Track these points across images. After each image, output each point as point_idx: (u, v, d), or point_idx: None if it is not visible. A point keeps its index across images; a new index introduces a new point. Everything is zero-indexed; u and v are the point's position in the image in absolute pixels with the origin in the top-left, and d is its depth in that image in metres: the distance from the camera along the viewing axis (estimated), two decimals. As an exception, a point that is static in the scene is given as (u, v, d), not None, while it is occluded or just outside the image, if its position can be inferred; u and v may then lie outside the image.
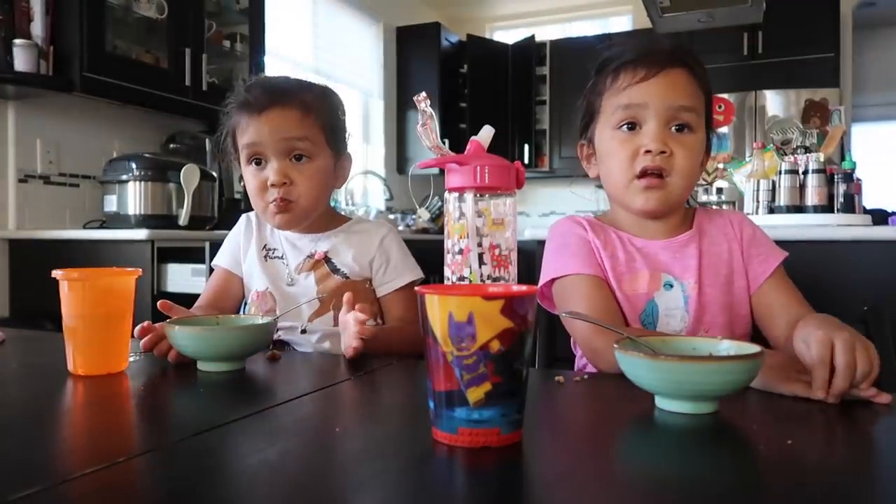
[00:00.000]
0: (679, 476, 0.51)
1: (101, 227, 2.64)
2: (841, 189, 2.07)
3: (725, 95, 3.60)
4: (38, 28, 2.41)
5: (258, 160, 1.13)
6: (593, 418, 0.70)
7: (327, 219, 1.23)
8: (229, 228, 1.31)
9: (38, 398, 0.74)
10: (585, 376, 0.81)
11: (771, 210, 2.17)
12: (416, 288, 0.55)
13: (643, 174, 0.96)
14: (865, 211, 2.16)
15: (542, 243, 1.09)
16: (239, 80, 1.43)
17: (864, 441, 0.62)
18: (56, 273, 0.82)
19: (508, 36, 5.63)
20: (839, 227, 2.00)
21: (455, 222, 0.74)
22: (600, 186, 1.17)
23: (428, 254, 1.29)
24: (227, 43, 3.21)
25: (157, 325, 0.89)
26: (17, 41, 2.33)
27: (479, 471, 0.50)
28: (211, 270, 1.30)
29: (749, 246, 1.02)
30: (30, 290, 2.51)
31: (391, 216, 4.36)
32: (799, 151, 2.20)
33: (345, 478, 0.50)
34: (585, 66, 1.05)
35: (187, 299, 1.13)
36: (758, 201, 2.21)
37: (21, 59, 2.33)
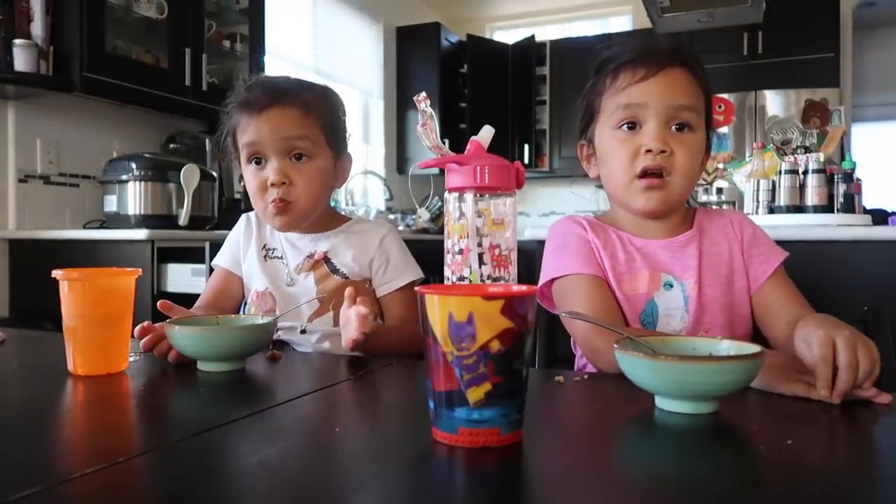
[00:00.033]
0: (679, 476, 0.51)
1: (101, 227, 2.64)
2: (841, 189, 2.07)
3: (725, 95, 3.60)
4: (38, 28, 2.42)
5: (258, 159, 1.13)
6: (593, 418, 0.70)
7: (327, 219, 1.23)
8: (229, 228, 1.31)
9: (38, 398, 0.74)
10: (585, 376, 0.81)
11: (771, 210, 2.17)
12: (416, 288, 0.55)
13: (644, 174, 0.95)
14: (865, 211, 2.16)
15: (542, 243, 1.09)
16: (239, 80, 1.43)
17: (865, 441, 0.62)
18: (56, 273, 0.82)
19: (508, 36, 5.63)
20: (839, 227, 2.00)
21: (455, 222, 0.74)
22: (600, 186, 1.17)
23: (428, 254, 1.29)
24: (227, 43, 3.21)
25: (157, 325, 0.89)
26: (17, 41, 2.33)
27: (479, 471, 0.50)
28: (211, 270, 1.30)
29: (749, 246, 1.02)
30: (30, 290, 2.51)
31: (391, 216, 4.36)
32: (799, 151, 2.20)
33: (345, 478, 0.50)
34: (585, 66, 1.05)
35: (187, 299, 1.13)
36: (758, 201, 2.21)
37: (21, 59, 2.33)
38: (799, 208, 2.11)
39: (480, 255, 0.73)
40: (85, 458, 0.53)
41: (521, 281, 0.73)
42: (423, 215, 4.17)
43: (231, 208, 2.95)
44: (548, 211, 5.55)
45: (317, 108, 1.14)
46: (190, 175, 2.55)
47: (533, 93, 5.35)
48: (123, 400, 0.75)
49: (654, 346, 0.70)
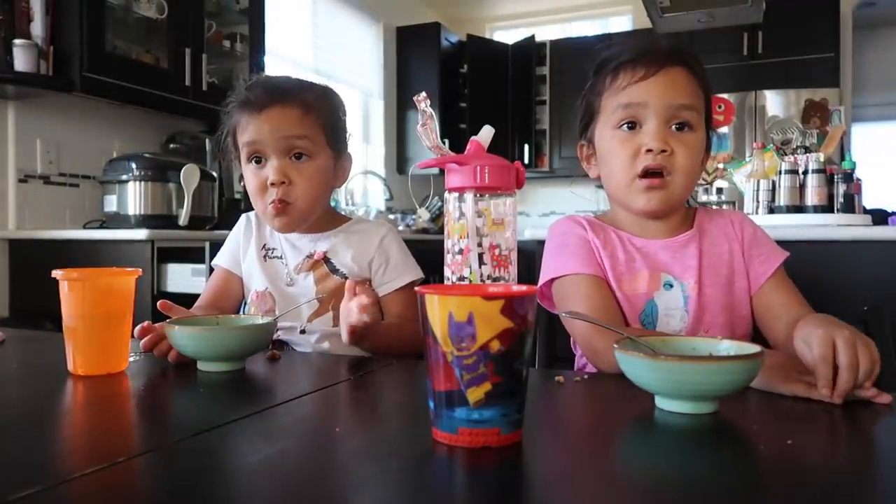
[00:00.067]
0: (679, 476, 0.51)
1: (101, 227, 2.64)
2: (841, 189, 2.07)
3: (725, 95, 3.60)
4: (38, 28, 2.42)
5: (258, 158, 1.13)
6: (593, 418, 0.70)
7: (327, 219, 1.23)
8: (229, 228, 1.31)
9: (38, 398, 0.74)
10: (585, 376, 0.81)
11: (771, 210, 2.17)
12: (416, 288, 0.55)
13: (644, 174, 0.95)
14: (865, 211, 2.16)
15: (542, 243, 1.09)
16: (240, 80, 1.43)
17: (865, 441, 0.62)
18: (56, 273, 0.82)
19: (508, 36, 5.63)
20: (839, 227, 2.00)
21: (455, 222, 0.74)
22: (600, 186, 1.17)
23: (428, 254, 1.29)
24: (227, 43, 3.21)
25: (157, 325, 0.89)
26: (17, 41, 2.33)
27: (479, 471, 0.50)
28: (211, 270, 1.30)
29: (750, 246, 1.02)
30: (30, 290, 2.51)
31: (391, 216, 4.36)
32: (799, 151, 2.20)
33: (345, 478, 0.50)
34: (585, 66, 1.05)
35: (187, 299, 1.13)
36: (758, 201, 2.21)
37: (21, 59, 2.33)
38: (799, 208, 2.11)
39: (480, 255, 0.73)
40: (85, 458, 0.53)
41: (521, 281, 0.73)
42: (423, 215, 4.17)
43: (231, 208, 2.95)
44: (548, 211, 5.55)
45: (317, 108, 1.14)
46: (190, 175, 2.55)
47: (533, 93, 5.35)
48: (123, 400, 0.75)
49: (654, 346, 0.70)
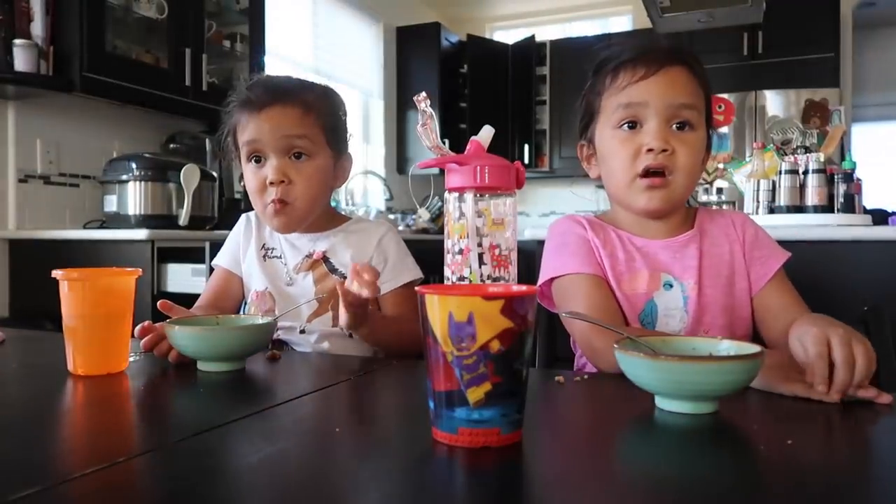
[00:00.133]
0: (679, 476, 0.51)
1: (101, 227, 2.64)
2: (841, 189, 2.07)
3: (725, 95, 3.60)
4: (38, 28, 2.42)
5: (258, 158, 1.13)
6: (593, 418, 0.70)
7: (327, 218, 1.23)
8: (229, 228, 1.31)
9: (38, 398, 0.74)
10: (585, 376, 0.81)
11: (771, 210, 2.17)
12: (416, 288, 0.55)
13: (645, 173, 0.95)
14: (865, 211, 2.16)
15: (542, 243, 1.09)
16: (240, 80, 1.43)
17: (865, 441, 0.62)
18: (56, 273, 0.82)
19: (508, 36, 5.63)
20: (839, 227, 2.00)
21: (455, 222, 0.74)
22: (601, 186, 1.17)
23: (428, 254, 1.29)
24: (227, 43, 3.21)
25: (157, 325, 0.89)
26: (17, 41, 2.33)
27: (479, 471, 0.50)
28: (211, 270, 1.30)
29: (751, 247, 1.02)
30: (30, 290, 2.51)
31: (391, 216, 4.36)
32: (799, 151, 2.20)
33: (345, 478, 0.50)
34: (585, 66, 1.05)
35: (187, 299, 1.13)
36: (758, 201, 2.21)
37: (21, 59, 2.33)
38: (799, 208, 2.11)
39: (480, 255, 0.73)
40: (85, 458, 0.53)
41: (521, 281, 0.73)
42: (423, 215, 4.17)
43: (231, 208, 2.95)
44: (548, 211, 5.55)
45: (317, 108, 1.14)
46: (190, 175, 2.55)
47: (533, 93, 5.35)
48: (123, 400, 0.75)
49: (654, 346, 0.70)
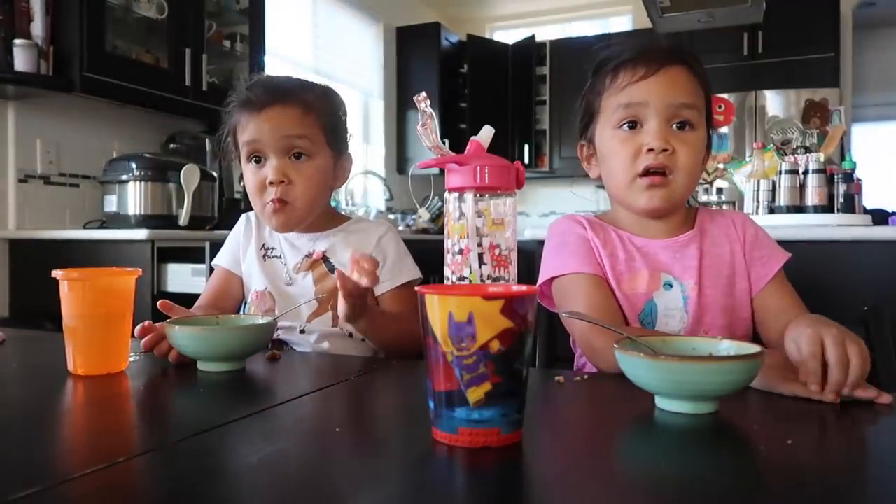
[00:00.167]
0: (679, 476, 0.51)
1: (101, 227, 2.64)
2: (841, 189, 2.07)
3: (725, 95, 3.60)
4: (38, 28, 2.42)
5: (258, 158, 1.13)
6: (593, 418, 0.70)
7: (327, 218, 1.23)
8: (229, 228, 1.31)
9: (38, 398, 0.74)
10: (585, 376, 0.81)
11: (771, 210, 2.17)
12: (416, 288, 0.55)
13: (646, 172, 0.95)
14: (865, 211, 2.16)
15: (542, 243, 1.09)
16: (240, 80, 1.43)
17: (865, 441, 0.62)
18: (56, 273, 0.82)
19: (508, 36, 5.63)
20: (839, 227, 2.00)
21: (455, 222, 0.74)
22: (601, 186, 1.18)
23: (428, 254, 1.28)
24: (227, 43, 3.21)
25: (157, 324, 0.89)
26: (17, 41, 2.33)
27: (479, 471, 0.50)
28: (211, 270, 1.30)
29: (752, 248, 1.02)
30: (30, 290, 2.51)
31: (391, 216, 4.36)
32: (799, 151, 2.20)
33: (345, 478, 0.50)
34: (585, 66, 1.05)
35: (187, 299, 1.13)
36: (758, 201, 2.21)
37: (21, 59, 2.33)
38: (799, 208, 2.11)
39: (480, 255, 0.73)
40: (85, 458, 0.53)
41: (521, 281, 0.73)
42: (423, 215, 4.17)
43: (231, 208, 2.95)
44: (548, 211, 5.55)
45: (317, 108, 1.14)
46: (190, 175, 2.55)
47: (533, 93, 5.35)
48: (123, 400, 0.75)
49: (654, 346, 0.70)
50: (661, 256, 1.00)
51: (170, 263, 2.33)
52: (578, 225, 1.04)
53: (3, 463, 0.52)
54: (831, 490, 0.48)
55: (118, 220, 2.54)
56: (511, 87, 5.34)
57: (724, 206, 2.77)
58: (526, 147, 5.31)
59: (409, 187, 4.08)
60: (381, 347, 1.08)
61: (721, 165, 2.22)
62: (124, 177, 2.53)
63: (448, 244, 0.74)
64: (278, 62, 3.81)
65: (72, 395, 0.76)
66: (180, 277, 2.31)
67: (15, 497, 0.43)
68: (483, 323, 0.51)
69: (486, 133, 0.76)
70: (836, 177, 2.09)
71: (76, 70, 2.43)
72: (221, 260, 1.26)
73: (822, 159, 2.11)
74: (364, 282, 0.86)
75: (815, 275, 1.76)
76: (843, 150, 2.66)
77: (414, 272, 1.19)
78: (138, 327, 0.88)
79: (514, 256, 0.75)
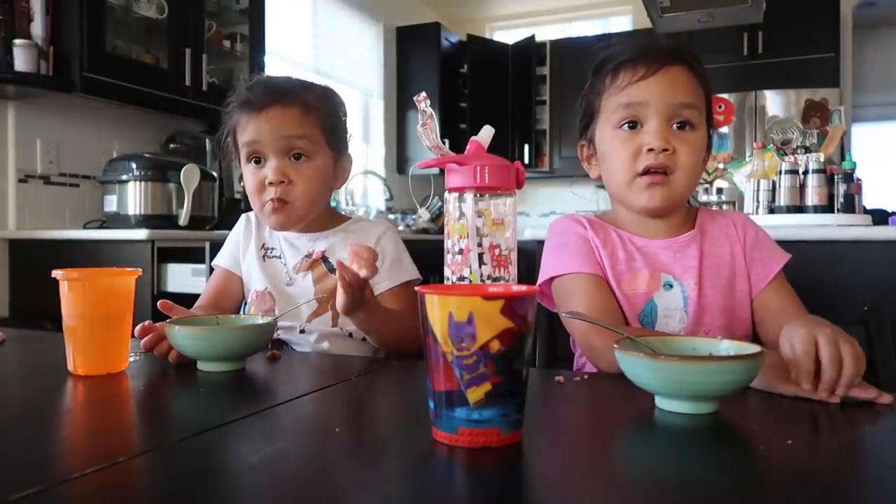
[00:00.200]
0: (679, 476, 0.51)
1: (101, 227, 2.64)
2: (841, 189, 2.07)
3: (725, 95, 3.60)
4: (38, 28, 2.42)
5: (257, 159, 1.13)
6: (593, 418, 0.70)
7: (326, 218, 1.23)
8: (229, 228, 1.31)
9: (38, 398, 0.74)
10: (585, 376, 0.81)
11: (771, 210, 2.17)
12: (416, 288, 0.55)
13: (646, 172, 0.95)
14: (865, 211, 2.16)
15: (542, 243, 1.09)
16: (240, 80, 1.43)
17: (865, 441, 0.62)
18: (56, 273, 0.82)
19: (508, 36, 5.63)
20: (839, 227, 2.00)
21: (455, 222, 0.74)
22: (601, 187, 1.18)
23: (428, 254, 1.28)
24: (227, 43, 3.21)
25: (157, 324, 0.89)
26: (17, 41, 2.33)
27: (479, 471, 0.50)
28: (211, 270, 1.30)
29: (752, 249, 1.02)
30: (30, 290, 2.51)
31: (391, 216, 4.36)
32: (799, 151, 2.20)
33: (345, 478, 0.50)
34: (585, 66, 1.05)
35: (187, 299, 1.13)
36: (758, 201, 2.21)
37: (21, 59, 2.33)
38: (799, 208, 2.11)
39: (480, 255, 0.73)
40: (85, 458, 0.53)
41: (521, 281, 0.73)
42: (423, 215, 4.17)
43: (231, 208, 2.95)
44: (548, 211, 5.55)
45: (317, 109, 1.14)
46: (190, 175, 2.55)
47: (533, 93, 5.35)
48: (123, 400, 0.75)
49: (654, 346, 0.70)
50: (662, 256, 1.00)
51: (170, 263, 2.33)
52: (578, 225, 1.04)
53: (3, 463, 0.52)
54: (831, 490, 0.48)
55: (118, 220, 2.54)
56: (511, 87, 5.34)
57: (724, 206, 2.77)
58: (526, 147, 5.31)
59: (409, 187, 4.08)
60: (381, 345, 1.08)
61: (721, 165, 2.22)
62: (124, 177, 2.53)
63: (448, 244, 0.74)
64: (278, 62, 3.81)
65: (72, 395, 0.76)
66: (180, 277, 2.31)
67: (15, 497, 0.43)
68: (483, 323, 0.51)
69: (486, 133, 0.76)
70: (836, 177, 2.09)
71: (76, 70, 2.43)
72: (221, 260, 1.26)
73: (822, 159, 2.11)
74: (363, 273, 0.86)
75: (815, 275, 1.76)
76: (843, 150, 2.66)
77: (412, 272, 1.19)
78: (138, 327, 0.88)
79: (514, 256, 0.75)
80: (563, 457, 0.56)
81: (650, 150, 0.94)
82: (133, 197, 2.52)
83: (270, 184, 1.11)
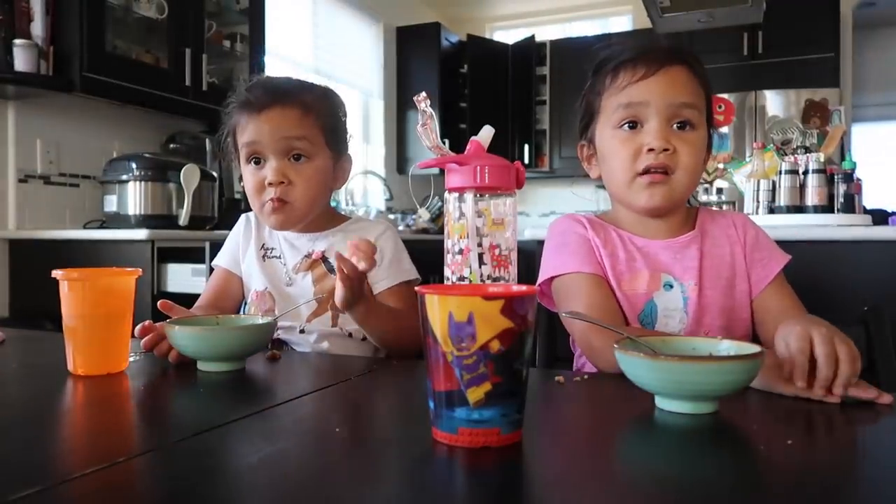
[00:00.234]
0: (679, 476, 0.51)
1: (101, 227, 2.64)
2: (841, 189, 2.07)
3: (725, 95, 3.60)
4: (38, 28, 2.42)
5: (257, 159, 1.13)
6: (593, 418, 0.70)
7: (326, 219, 1.23)
8: (229, 228, 1.31)
9: (38, 398, 0.74)
10: (585, 376, 0.81)
11: (771, 210, 2.17)
12: (416, 288, 0.55)
13: (646, 171, 0.95)
14: (865, 211, 2.16)
15: (542, 243, 1.09)
16: (240, 80, 1.43)
17: (865, 441, 0.62)
18: (56, 273, 0.82)
19: (508, 36, 5.63)
20: (839, 227, 2.00)
21: (455, 222, 0.74)
22: (601, 187, 1.18)
23: (428, 254, 1.28)
24: (227, 43, 3.21)
25: (157, 324, 0.89)
26: (17, 41, 2.33)
27: (479, 471, 0.50)
28: (211, 270, 1.30)
29: (752, 249, 1.02)
30: (30, 290, 2.51)
31: (391, 216, 4.36)
32: (799, 151, 2.20)
33: (345, 478, 0.50)
34: (585, 66, 1.05)
35: (187, 299, 1.13)
36: (758, 201, 2.21)
37: (21, 59, 2.33)
38: (799, 208, 2.11)
39: (480, 255, 0.73)
40: (85, 458, 0.53)
41: (521, 281, 0.73)
42: (423, 215, 4.17)
43: (231, 208, 2.95)
44: (548, 211, 5.55)
45: (317, 109, 1.14)
46: (190, 175, 2.55)
47: (533, 93, 5.35)
48: (123, 400, 0.75)
49: (654, 346, 0.70)
50: (662, 257, 1.00)
51: (170, 263, 2.33)
52: (579, 224, 1.04)
53: (3, 463, 0.52)
54: (831, 490, 0.48)
55: (118, 220, 2.54)
56: (511, 87, 5.34)
57: (724, 207, 2.77)
58: (526, 147, 5.31)
59: (409, 187, 4.08)
60: (381, 345, 1.08)
61: (721, 165, 2.22)
62: (124, 177, 2.53)
63: (448, 244, 0.74)
64: (278, 62, 3.81)
65: (72, 395, 0.76)
66: (180, 277, 2.31)
67: (15, 497, 0.43)
68: (483, 323, 0.51)
69: (486, 133, 0.76)
70: (836, 177, 2.09)
71: (76, 70, 2.43)
72: (221, 260, 1.26)
73: (822, 159, 2.11)
74: (362, 265, 0.86)
75: (815, 275, 1.76)
76: (843, 150, 2.66)
77: (410, 273, 1.18)
78: (138, 327, 0.88)
79: (514, 256, 0.75)
80: (563, 457, 0.56)
81: (650, 149, 0.94)
82: (133, 197, 2.52)
83: (270, 184, 1.11)
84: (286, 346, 1.14)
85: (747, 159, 2.28)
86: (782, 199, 2.13)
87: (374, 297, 0.99)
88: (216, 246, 1.33)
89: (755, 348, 0.66)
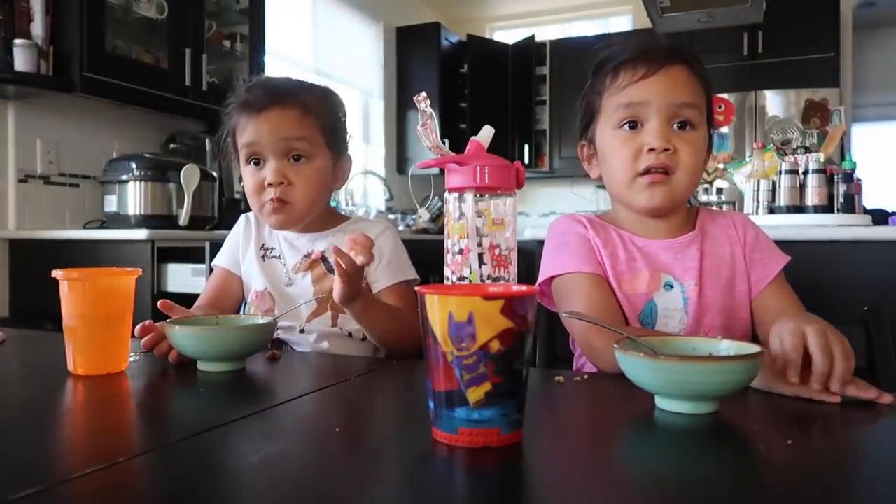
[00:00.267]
0: (679, 476, 0.51)
1: (101, 227, 2.64)
2: (841, 189, 2.07)
3: (725, 95, 3.60)
4: (38, 28, 2.42)
5: (257, 160, 1.13)
6: (593, 418, 0.70)
7: (326, 219, 1.23)
8: (229, 228, 1.31)
9: (38, 398, 0.74)
10: (585, 376, 0.81)
11: (771, 210, 2.17)
12: (416, 288, 0.55)
13: (647, 171, 0.95)
14: (865, 211, 2.16)
15: (542, 243, 1.09)
16: (240, 80, 1.43)
17: (865, 441, 0.62)
18: (56, 273, 0.82)
19: (508, 36, 5.64)
20: (839, 227, 2.00)
21: (455, 222, 0.74)
22: (601, 187, 1.18)
23: (428, 254, 1.28)
24: (227, 43, 3.21)
25: (157, 324, 0.89)
26: (17, 41, 2.33)
27: (479, 471, 0.50)
28: (211, 270, 1.30)
29: (752, 250, 1.02)
30: (30, 290, 2.51)
31: (391, 216, 4.36)
32: (799, 151, 2.20)
33: (345, 478, 0.50)
34: (585, 66, 1.05)
35: (187, 299, 1.13)
36: (758, 201, 2.21)
37: (21, 59, 2.33)
38: (799, 208, 2.11)
39: (480, 255, 0.73)
40: (85, 458, 0.53)
41: (521, 281, 0.73)
42: (423, 215, 4.17)
43: (231, 208, 2.95)
44: (548, 211, 5.56)
45: (316, 110, 1.14)
46: (190, 175, 2.55)
47: (533, 93, 5.35)
48: (123, 400, 0.75)
49: (654, 346, 0.70)
50: (662, 257, 1.00)
51: (170, 263, 2.33)
52: (579, 224, 1.04)
53: (3, 463, 0.52)
54: (831, 490, 0.48)
55: (118, 220, 2.54)
56: (511, 87, 5.34)
57: (724, 207, 2.77)
58: (526, 147, 5.31)
59: (409, 187, 4.08)
60: (382, 344, 1.08)
61: (721, 165, 2.22)
62: (124, 177, 2.53)
63: (448, 244, 0.74)
64: (278, 62, 3.81)
65: (72, 395, 0.76)
66: (180, 277, 2.31)
67: (15, 497, 0.43)
68: (483, 323, 0.51)
69: (486, 133, 0.76)
70: (836, 177, 2.09)
71: (76, 70, 2.43)
72: (221, 260, 1.26)
73: (822, 159, 2.11)
74: (360, 259, 0.86)
75: (815, 275, 1.76)
76: (843, 150, 2.66)
77: (409, 273, 1.18)
78: (138, 327, 0.88)
79: (514, 256, 0.75)
80: (563, 457, 0.56)
81: (651, 149, 0.94)
82: (133, 197, 2.52)
83: (270, 185, 1.11)
84: (286, 346, 1.14)
85: (747, 159, 2.28)
86: (782, 199, 2.13)
87: (372, 294, 0.99)
88: (216, 246, 1.33)
89: (755, 348, 0.66)
